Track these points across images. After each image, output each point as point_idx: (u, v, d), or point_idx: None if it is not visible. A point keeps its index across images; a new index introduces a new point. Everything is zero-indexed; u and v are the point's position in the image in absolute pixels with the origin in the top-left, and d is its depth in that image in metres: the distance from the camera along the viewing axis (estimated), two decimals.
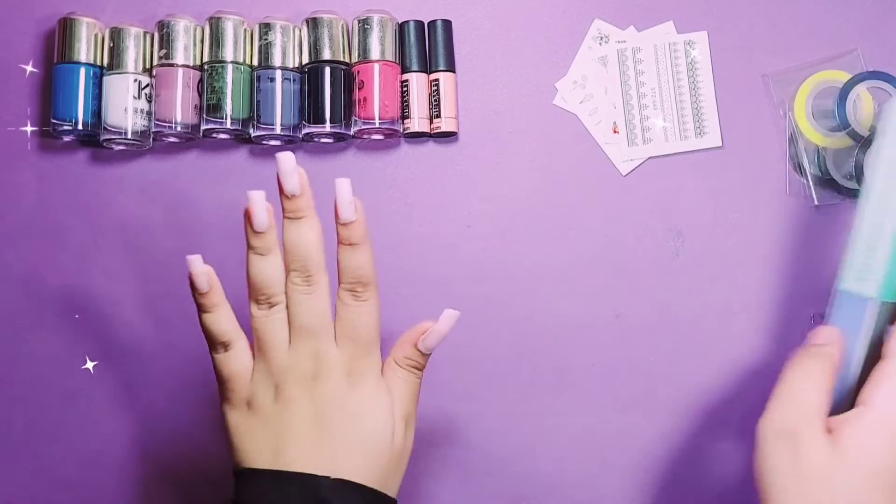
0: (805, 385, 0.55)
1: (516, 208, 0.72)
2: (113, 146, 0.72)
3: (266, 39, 0.71)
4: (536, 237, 0.72)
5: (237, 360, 0.59)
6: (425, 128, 0.71)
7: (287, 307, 0.59)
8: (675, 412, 0.70)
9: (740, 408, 0.70)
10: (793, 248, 0.71)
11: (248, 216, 0.58)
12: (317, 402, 0.57)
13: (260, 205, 0.58)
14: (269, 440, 0.57)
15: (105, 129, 0.70)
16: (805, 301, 0.70)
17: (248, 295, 0.59)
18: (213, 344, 0.60)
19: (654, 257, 0.71)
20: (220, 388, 0.60)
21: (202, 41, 0.71)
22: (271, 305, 0.59)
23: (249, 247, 0.58)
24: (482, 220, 0.72)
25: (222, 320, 0.59)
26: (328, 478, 0.56)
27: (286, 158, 0.57)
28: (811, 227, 0.71)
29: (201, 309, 0.59)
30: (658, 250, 0.71)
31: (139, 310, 0.72)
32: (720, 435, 0.70)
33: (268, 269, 0.58)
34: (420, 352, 0.60)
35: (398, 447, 0.59)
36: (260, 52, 0.71)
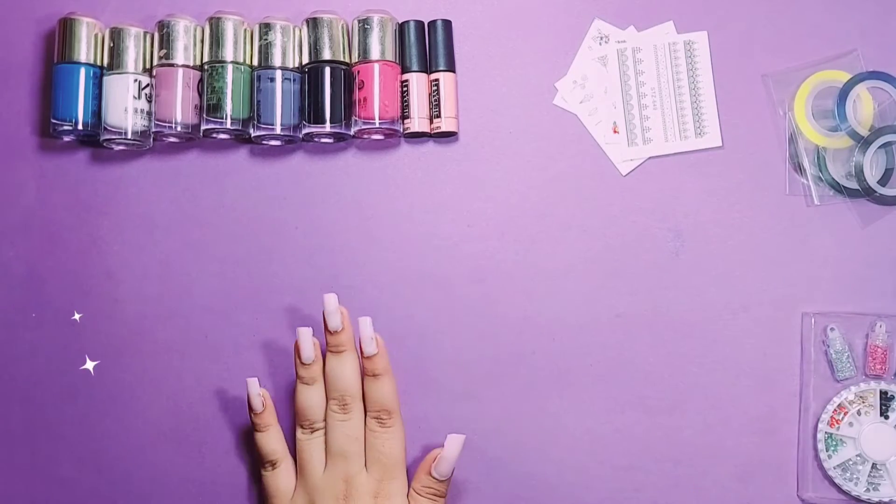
0: None
1: (516, 208, 0.72)
2: (113, 146, 0.72)
3: (266, 39, 0.71)
4: (536, 237, 0.72)
5: (282, 478, 0.66)
6: (425, 128, 0.71)
7: (325, 432, 0.65)
8: (675, 412, 0.70)
9: (740, 408, 0.70)
10: (793, 247, 0.71)
11: (297, 349, 0.65)
12: None
13: (308, 339, 0.65)
14: None
15: (105, 129, 0.70)
16: (804, 301, 0.70)
17: (295, 419, 0.66)
18: (263, 461, 0.67)
19: (654, 257, 0.71)
20: (265, 501, 0.66)
21: (202, 41, 0.71)
22: (313, 430, 0.66)
23: (298, 377, 0.66)
24: (482, 220, 0.72)
25: (273, 440, 0.66)
26: None
27: (330, 300, 0.65)
28: (811, 227, 0.71)
29: (255, 428, 0.67)
30: (658, 250, 0.71)
31: (139, 310, 0.72)
32: (720, 435, 0.70)
33: (313, 397, 0.66)
34: (435, 479, 0.64)
35: None
36: (260, 52, 0.71)
